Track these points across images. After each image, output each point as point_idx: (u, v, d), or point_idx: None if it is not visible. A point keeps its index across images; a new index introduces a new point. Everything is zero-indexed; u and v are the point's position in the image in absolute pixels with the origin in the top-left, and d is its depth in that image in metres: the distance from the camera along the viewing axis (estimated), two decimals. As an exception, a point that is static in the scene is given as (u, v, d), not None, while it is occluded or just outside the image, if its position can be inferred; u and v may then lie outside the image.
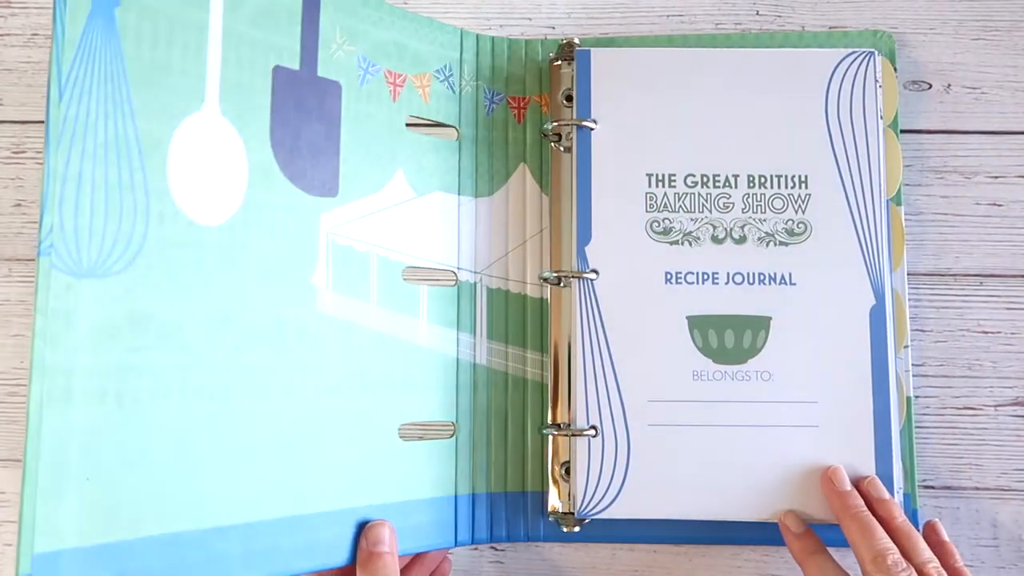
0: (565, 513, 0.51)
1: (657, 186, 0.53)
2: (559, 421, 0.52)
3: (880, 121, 0.53)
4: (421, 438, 0.51)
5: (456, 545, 0.52)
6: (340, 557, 0.45)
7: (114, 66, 0.40)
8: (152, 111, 0.41)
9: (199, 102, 0.43)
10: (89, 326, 0.38)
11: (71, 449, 0.37)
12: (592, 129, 0.53)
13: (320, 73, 0.47)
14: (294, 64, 0.46)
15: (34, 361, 0.37)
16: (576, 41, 0.55)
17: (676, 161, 0.53)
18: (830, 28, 0.56)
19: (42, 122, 0.56)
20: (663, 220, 0.53)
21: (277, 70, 0.45)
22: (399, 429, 0.50)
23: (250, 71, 0.44)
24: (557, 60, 0.55)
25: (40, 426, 0.37)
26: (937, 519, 0.49)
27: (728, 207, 0.53)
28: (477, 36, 0.55)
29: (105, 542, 0.38)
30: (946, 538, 0.48)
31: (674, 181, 0.53)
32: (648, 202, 0.53)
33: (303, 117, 0.46)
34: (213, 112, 0.43)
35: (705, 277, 0.52)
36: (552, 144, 0.54)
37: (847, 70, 0.53)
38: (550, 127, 0.54)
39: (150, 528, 0.39)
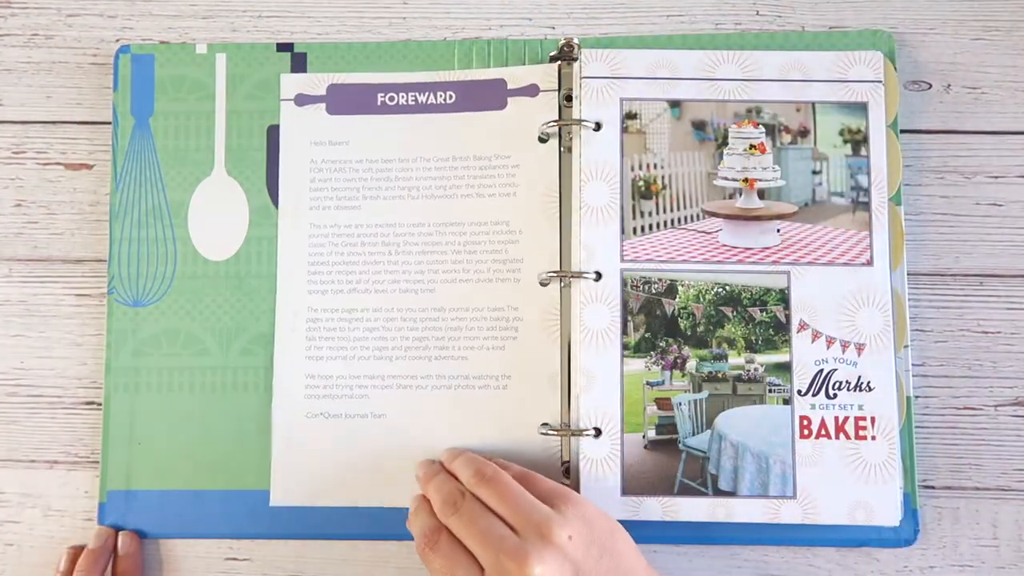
0: (565, 513, 0.51)
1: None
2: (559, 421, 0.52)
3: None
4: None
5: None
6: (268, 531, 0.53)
7: (149, 157, 0.55)
8: (176, 183, 0.55)
9: (210, 168, 0.55)
10: (138, 339, 0.54)
11: (129, 422, 0.54)
12: (592, 129, 0.53)
13: None
14: None
15: (106, 364, 0.54)
16: (576, 41, 0.55)
17: (676, 161, 0.53)
18: (830, 28, 0.56)
19: (41, 122, 0.57)
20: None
21: (270, 128, 0.55)
22: None
23: (248, 136, 0.56)
24: (557, 60, 0.55)
25: (109, 407, 0.54)
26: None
27: (728, 207, 0.53)
28: (472, 43, 0.56)
29: (147, 489, 0.53)
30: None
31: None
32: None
33: None
34: (220, 174, 0.55)
35: (705, 277, 0.52)
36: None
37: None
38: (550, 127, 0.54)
39: (177, 483, 0.53)
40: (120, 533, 0.52)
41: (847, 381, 0.51)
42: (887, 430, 0.51)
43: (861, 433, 0.51)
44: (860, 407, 0.51)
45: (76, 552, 0.52)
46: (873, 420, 0.51)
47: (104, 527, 0.53)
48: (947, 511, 0.53)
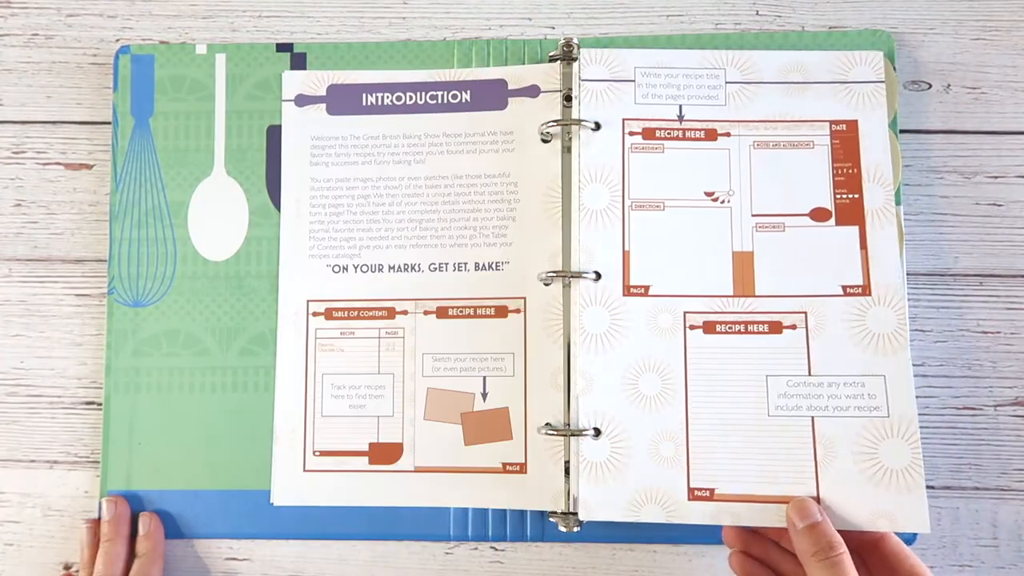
0: (565, 513, 0.51)
1: (657, 186, 0.53)
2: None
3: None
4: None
5: (451, 539, 0.52)
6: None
7: (149, 157, 0.55)
8: (176, 183, 0.56)
9: (210, 169, 0.55)
10: (138, 339, 0.54)
11: (129, 422, 0.54)
12: (592, 129, 0.53)
13: None
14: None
15: (105, 364, 0.54)
16: (576, 41, 0.55)
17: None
18: (830, 28, 0.56)
19: (41, 122, 0.57)
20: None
21: (270, 128, 0.56)
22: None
23: (248, 136, 0.56)
24: (557, 60, 0.55)
25: (109, 407, 0.54)
26: None
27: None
28: (472, 43, 0.56)
29: (147, 488, 0.53)
30: None
31: (674, 181, 0.53)
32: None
33: None
34: (220, 174, 0.55)
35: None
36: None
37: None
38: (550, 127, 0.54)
39: (176, 483, 0.53)
40: (140, 513, 0.53)
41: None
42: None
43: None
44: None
45: (95, 524, 0.52)
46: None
47: (109, 496, 0.53)
48: (947, 511, 0.53)
